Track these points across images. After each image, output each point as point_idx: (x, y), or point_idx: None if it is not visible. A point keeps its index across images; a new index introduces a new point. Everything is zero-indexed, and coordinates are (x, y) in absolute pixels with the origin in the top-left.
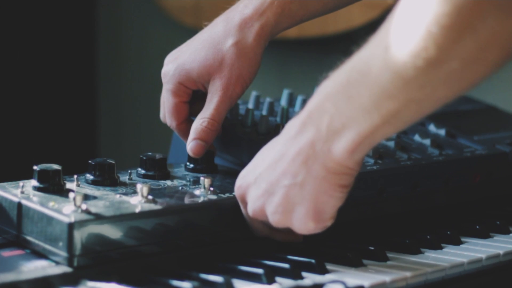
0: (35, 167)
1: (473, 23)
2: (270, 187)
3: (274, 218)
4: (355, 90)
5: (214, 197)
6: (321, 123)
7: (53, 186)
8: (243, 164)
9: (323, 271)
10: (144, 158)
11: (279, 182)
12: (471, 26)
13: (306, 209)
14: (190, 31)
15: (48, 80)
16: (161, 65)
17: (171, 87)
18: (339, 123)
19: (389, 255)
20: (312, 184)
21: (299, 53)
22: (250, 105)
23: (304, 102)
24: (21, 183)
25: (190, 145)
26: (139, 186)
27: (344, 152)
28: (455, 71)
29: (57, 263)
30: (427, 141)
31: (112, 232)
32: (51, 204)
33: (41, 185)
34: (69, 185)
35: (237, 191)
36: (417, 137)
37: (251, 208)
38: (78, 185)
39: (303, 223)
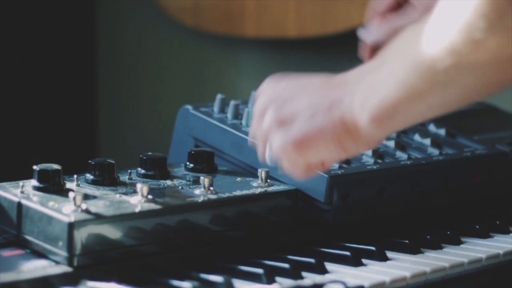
0: (35, 167)
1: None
2: (287, 96)
3: (268, 123)
4: (391, 57)
5: (214, 197)
6: (357, 79)
7: (53, 186)
8: (243, 164)
9: (323, 271)
10: (144, 158)
11: (298, 100)
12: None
13: (299, 130)
14: (190, 31)
15: (48, 80)
16: (161, 65)
17: None
18: (369, 84)
19: (389, 255)
20: (323, 120)
21: (299, 53)
22: (250, 105)
23: None
24: (21, 183)
25: None
26: (139, 186)
27: (363, 113)
28: (483, 61)
29: (57, 262)
30: (427, 141)
31: (112, 231)
32: (51, 204)
33: (41, 185)
34: (69, 185)
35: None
36: (417, 137)
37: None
38: (78, 185)
39: (286, 141)
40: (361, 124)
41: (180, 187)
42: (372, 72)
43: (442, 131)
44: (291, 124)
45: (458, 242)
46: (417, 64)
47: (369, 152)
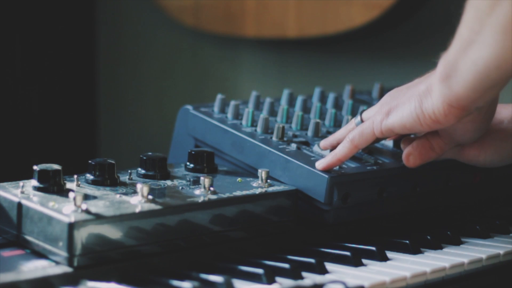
0: (35, 167)
1: None
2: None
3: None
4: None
5: (214, 197)
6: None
7: (53, 186)
8: (243, 164)
9: (323, 271)
10: (144, 158)
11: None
12: None
13: (393, 103)
14: (190, 31)
15: (48, 80)
16: (161, 65)
17: None
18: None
19: (389, 255)
20: (412, 92)
21: (299, 53)
22: (250, 105)
23: (304, 102)
24: (21, 183)
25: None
26: (139, 186)
27: (436, 74)
28: None
29: (57, 263)
30: None
31: (112, 232)
32: (51, 204)
33: (41, 185)
34: (69, 185)
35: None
36: None
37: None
38: (78, 185)
39: (379, 110)
40: (435, 85)
41: (180, 187)
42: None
43: None
44: (393, 105)
45: (458, 242)
46: (464, 18)
47: (369, 152)
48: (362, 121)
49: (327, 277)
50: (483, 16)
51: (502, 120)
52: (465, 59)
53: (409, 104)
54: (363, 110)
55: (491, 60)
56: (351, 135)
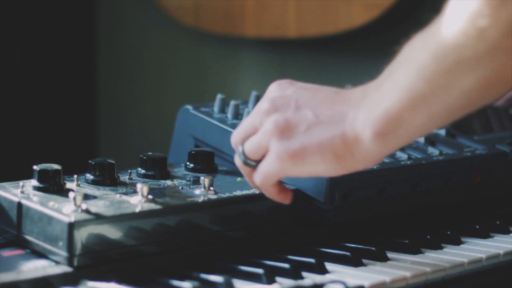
0: (35, 167)
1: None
2: (294, 104)
3: (270, 127)
4: (395, 68)
5: (214, 197)
6: (361, 95)
7: (53, 186)
8: None
9: (323, 271)
10: (144, 158)
11: (304, 110)
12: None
13: (300, 141)
14: (190, 31)
15: (48, 80)
16: (161, 65)
17: None
18: (373, 98)
19: (389, 255)
20: (324, 134)
21: (299, 53)
22: (250, 105)
23: None
24: (21, 183)
25: None
26: (139, 186)
27: (366, 128)
28: (483, 52)
29: (57, 263)
30: (424, 139)
31: (112, 232)
32: (51, 204)
33: (41, 185)
34: (69, 185)
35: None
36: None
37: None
38: (78, 185)
39: (284, 150)
40: (364, 139)
41: (180, 187)
42: (377, 86)
43: (442, 131)
44: (292, 133)
45: (458, 242)
46: (420, 69)
47: None
48: (244, 155)
49: (327, 277)
50: (453, 73)
51: None
52: (414, 119)
53: (322, 155)
54: (243, 143)
55: (458, 114)
56: (255, 178)
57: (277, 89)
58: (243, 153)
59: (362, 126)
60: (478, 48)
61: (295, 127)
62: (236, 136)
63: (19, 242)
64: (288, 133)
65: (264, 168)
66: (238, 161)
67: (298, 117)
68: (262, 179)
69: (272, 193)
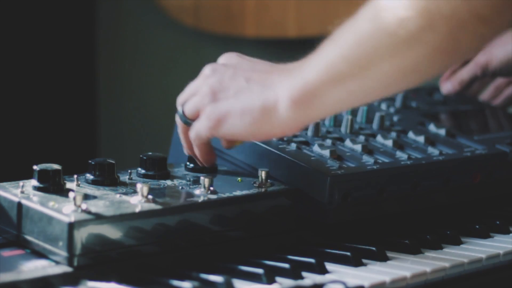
0: (35, 167)
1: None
2: (233, 72)
3: (205, 90)
4: (326, 44)
5: (214, 197)
6: (293, 67)
7: (53, 186)
8: (243, 164)
9: (323, 271)
10: (144, 158)
11: (240, 77)
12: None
13: (226, 105)
14: (190, 31)
15: (48, 80)
16: (161, 65)
17: None
18: (300, 69)
19: (389, 255)
20: (250, 99)
21: (299, 53)
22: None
23: None
24: (21, 183)
25: None
26: (139, 186)
27: (285, 95)
28: (400, 47)
29: (57, 263)
30: (423, 139)
31: (112, 232)
32: (51, 204)
33: (41, 185)
34: (69, 185)
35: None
36: (416, 137)
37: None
38: (78, 185)
39: (207, 115)
40: (281, 105)
41: (180, 187)
42: (307, 59)
43: (442, 131)
44: (223, 96)
45: (458, 242)
46: (343, 49)
47: (369, 151)
48: (184, 114)
49: (327, 277)
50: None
51: None
52: (330, 94)
53: (244, 117)
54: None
55: (373, 95)
56: (190, 134)
57: (223, 59)
58: (183, 113)
59: (282, 93)
60: (397, 37)
61: (226, 90)
62: (180, 97)
63: (19, 242)
64: (219, 96)
65: (196, 126)
66: (178, 119)
67: (230, 82)
68: (193, 136)
69: (200, 152)
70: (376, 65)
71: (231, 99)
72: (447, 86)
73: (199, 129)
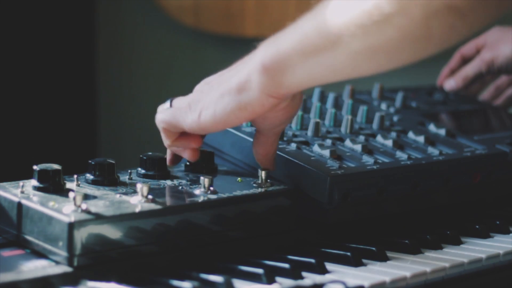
0: (35, 167)
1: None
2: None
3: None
4: (304, 18)
5: (214, 197)
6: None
7: (53, 186)
8: (243, 164)
9: (323, 271)
10: (144, 158)
11: (208, 87)
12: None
13: (205, 99)
14: (190, 31)
15: (48, 80)
16: (161, 65)
17: None
18: (277, 36)
19: (389, 255)
20: (224, 86)
21: None
22: None
23: (304, 101)
24: (21, 183)
25: None
26: (139, 186)
27: (257, 64)
28: (371, 28)
29: (57, 263)
30: (424, 139)
31: (112, 232)
32: (51, 204)
33: (41, 185)
34: (69, 185)
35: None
36: (416, 137)
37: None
38: (78, 185)
39: (188, 108)
40: (253, 74)
41: (180, 187)
42: (283, 30)
43: (442, 131)
44: (201, 104)
45: (458, 242)
46: (318, 23)
47: (369, 152)
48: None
49: (327, 277)
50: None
51: None
52: (301, 65)
53: (222, 101)
54: (173, 99)
55: (344, 73)
56: (164, 117)
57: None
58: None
59: (254, 62)
60: (370, 17)
61: (204, 98)
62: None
63: (19, 242)
64: (196, 105)
65: (181, 118)
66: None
67: (208, 91)
68: (179, 121)
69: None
70: (347, 41)
71: (211, 93)
72: (450, 83)
73: (182, 120)
